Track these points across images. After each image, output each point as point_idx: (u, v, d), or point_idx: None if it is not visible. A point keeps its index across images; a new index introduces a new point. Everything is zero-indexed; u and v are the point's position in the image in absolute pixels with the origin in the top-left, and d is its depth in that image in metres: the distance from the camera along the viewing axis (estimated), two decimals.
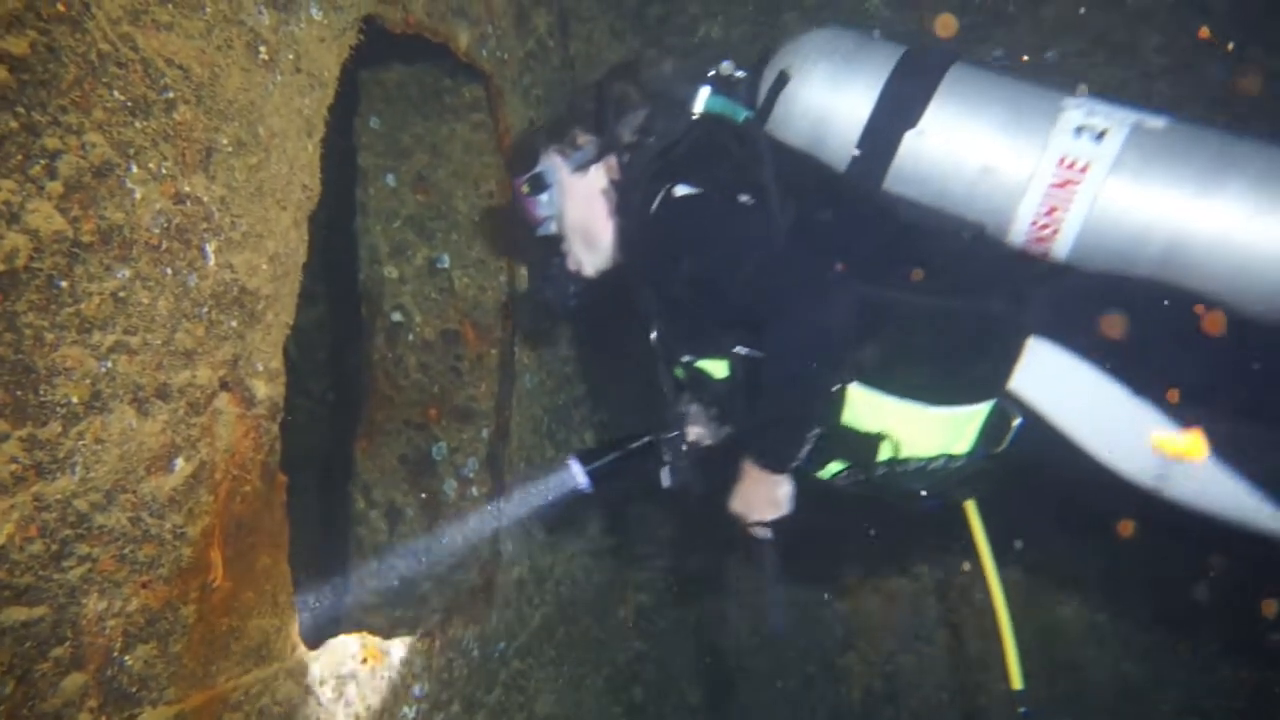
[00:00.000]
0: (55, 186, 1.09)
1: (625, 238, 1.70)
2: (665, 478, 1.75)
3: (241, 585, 1.49)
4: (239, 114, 1.33)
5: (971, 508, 1.78)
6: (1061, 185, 1.45)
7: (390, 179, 2.35)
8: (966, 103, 1.55)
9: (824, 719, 2.96)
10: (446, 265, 2.35)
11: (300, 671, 1.63)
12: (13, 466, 1.08)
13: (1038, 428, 1.48)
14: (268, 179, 1.41)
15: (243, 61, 1.33)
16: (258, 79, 1.37)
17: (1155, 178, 1.42)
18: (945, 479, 1.59)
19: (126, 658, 1.28)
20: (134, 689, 1.30)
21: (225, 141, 1.32)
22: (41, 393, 1.11)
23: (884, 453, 1.56)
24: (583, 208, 1.75)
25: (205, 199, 1.30)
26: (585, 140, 1.76)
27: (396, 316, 2.40)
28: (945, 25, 1.87)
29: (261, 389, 1.47)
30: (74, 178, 1.11)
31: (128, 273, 1.19)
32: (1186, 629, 2.55)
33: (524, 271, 2.39)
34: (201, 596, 1.40)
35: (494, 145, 2.34)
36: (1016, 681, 1.72)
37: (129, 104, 1.16)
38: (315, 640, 1.70)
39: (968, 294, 1.52)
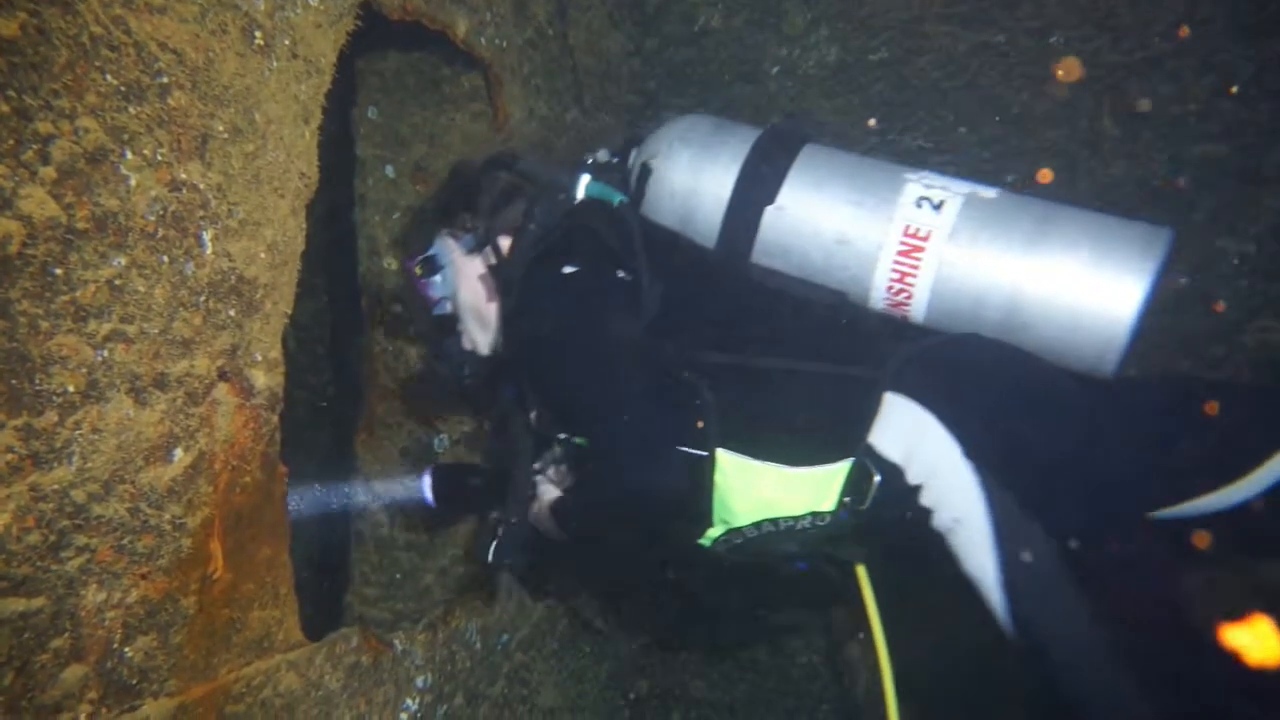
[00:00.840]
0: (48, 172, 1.08)
1: (505, 317, 1.78)
2: (490, 552, 1.79)
3: (242, 577, 1.48)
4: (235, 100, 1.32)
5: (863, 574, 1.84)
6: (908, 253, 1.54)
7: (389, 170, 2.34)
8: (819, 179, 1.65)
9: (828, 712, 2.95)
10: None
11: (303, 663, 1.62)
12: (8, 456, 1.07)
13: (898, 482, 1.52)
14: (265, 166, 1.39)
15: (238, 46, 1.32)
16: (253, 64, 1.35)
17: (987, 244, 1.51)
18: (816, 539, 1.64)
19: (127, 649, 1.27)
20: (134, 680, 1.29)
21: (221, 128, 1.31)
22: (37, 382, 1.10)
23: (755, 514, 1.62)
24: (474, 288, 1.83)
25: (202, 186, 1.29)
26: (473, 224, 1.84)
27: (397, 308, 2.38)
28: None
29: (260, 379, 1.46)
30: (67, 163, 1.09)
31: (123, 260, 1.17)
32: None
33: None
34: (202, 588, 1.39)
35: (493, 135, 2.32)
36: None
37: (122, 88, 1.15)
38: (317, 632, 1.69)
39: (827, 357, 1.59)
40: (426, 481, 1.91)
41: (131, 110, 1.16)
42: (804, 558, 1.71)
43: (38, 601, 1.14)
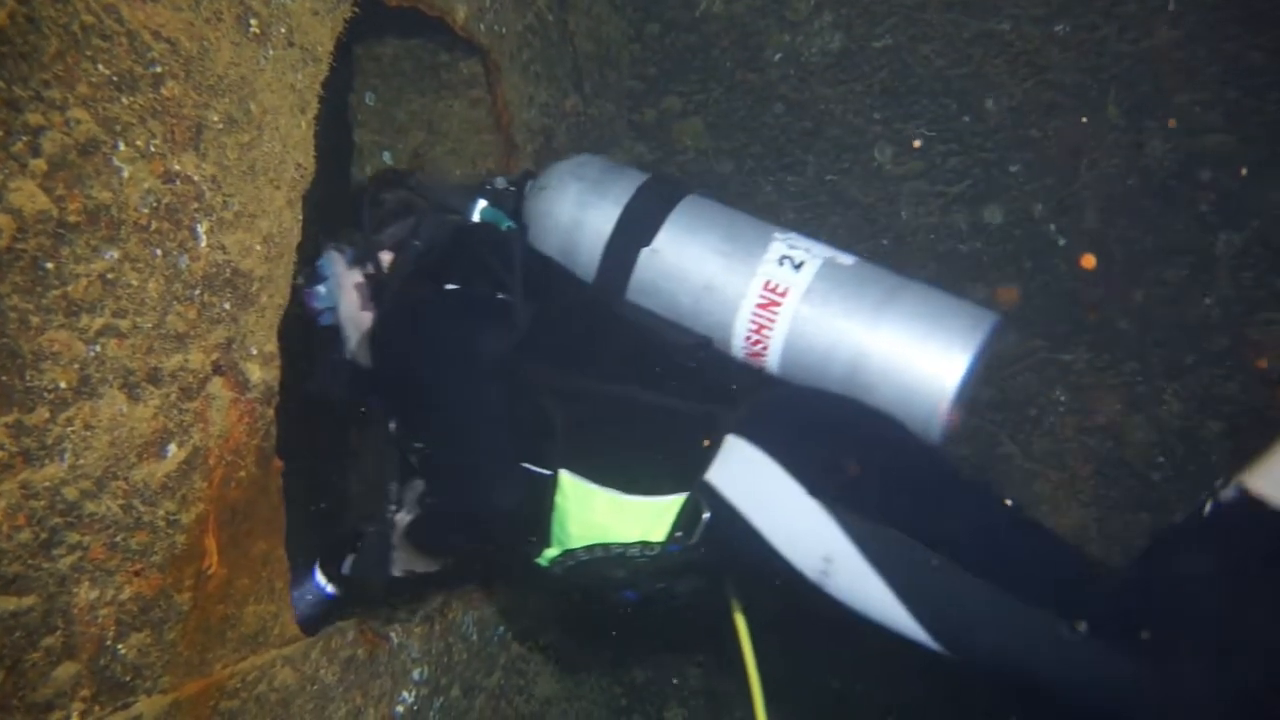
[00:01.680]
0: (39, 164, 1.05)
1: (374, 330, 1.82)
2: (346, 566, 1.80)
3: (237, 572, 1.46)
4: (229, 89, 1.29)
5: (738, 610, 1.90)
6: (766, 306, 1.63)
7: (387, 156, 2.31)
8: (694, 227, 1.72)
9: (825, 703, 2.96)
10: None
11: (298, 658, 1.61)
12: None
13: (730, 520, 1.56)
14: (260, 157, 1.37)
15: (233, 35, 1.29)
16: (249, 53, 1.32)
17: (837, 306, 1.61)
18: (646, 569, 1.68)
19: (120, 646, 1.26)
20: (128, 678, 1.28)
21: (215, 118, 1.28)
22: (28, 378, 1.08)
23: (587, 537, 1.65)
24: (352, 299, 1.87)
25: (196, 178, 1.26)
26: (358, 239, 1.87)
27: None
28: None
29: (256, 373, 1.44)
30: (58, 155, 1.07)
31: (116, 254, 1.15)
32: None
33: None
34: (196, 584, 1.38)
35: (492, 123, 2.29)
36: None
37: (115, 79, 1.12)
38: (313, 626, 1.68)
39: (679, 395, 1.64)
40: (318, 580, 1.84)
41: (124, 101, 1.14)
42: (633, 587, 1.75)
43: (29, 600, 1.13)
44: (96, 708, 1.23)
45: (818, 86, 2.85)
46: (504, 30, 2.24)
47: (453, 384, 1.66)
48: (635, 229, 1.74)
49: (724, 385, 1.67)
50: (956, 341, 1.56)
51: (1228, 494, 1.47)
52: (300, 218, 1.47)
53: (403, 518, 1.83)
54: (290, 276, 1.48)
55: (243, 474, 1.44)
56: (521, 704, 2.45)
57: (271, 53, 1.37)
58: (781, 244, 1.67)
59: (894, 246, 2.76)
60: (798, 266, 1.63)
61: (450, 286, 1.75)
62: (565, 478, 1.63)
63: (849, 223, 2.82)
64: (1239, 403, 2.43)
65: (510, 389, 1.66)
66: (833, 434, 1.59)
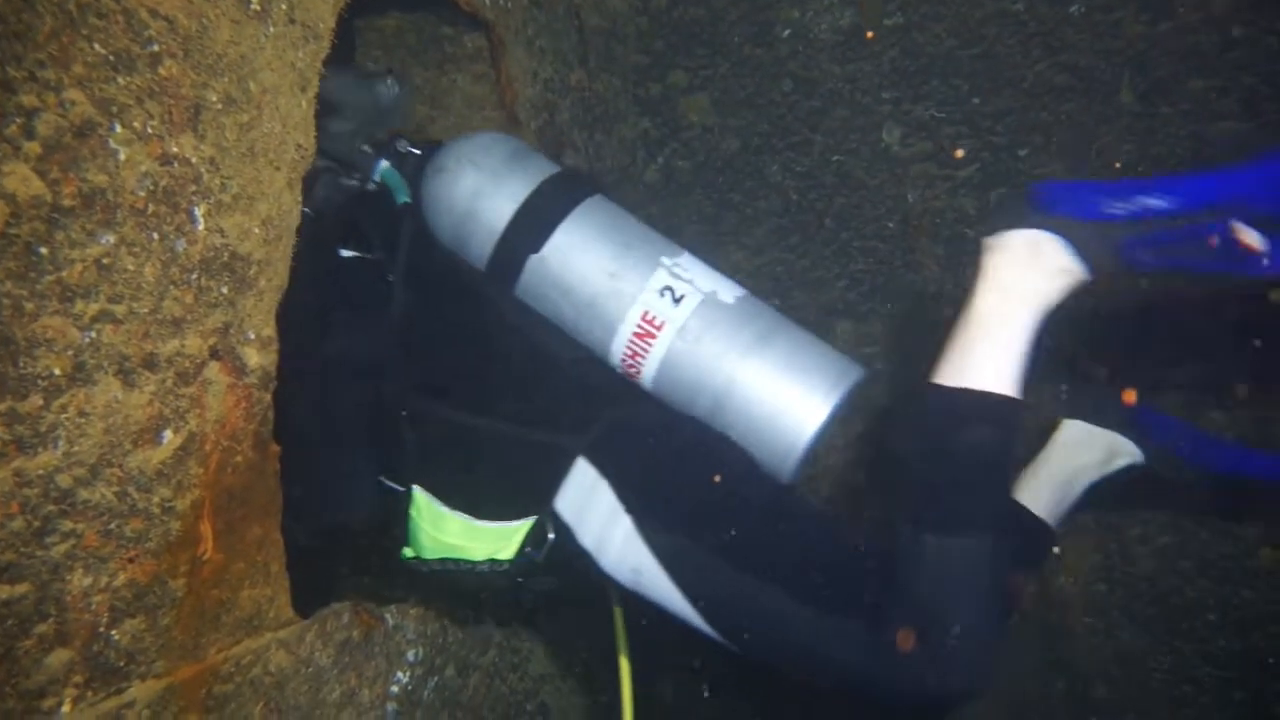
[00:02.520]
0: (33, 147, 1.02)
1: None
2: None
3: (233, 557, 1.45)
4: (229, 69, 1.26)
5: (619, 614, 1.95)
6: (641, 336, 1.63)
7: None
8: (586, 238, 1.68)
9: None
10: None
11: (293, 641, 1.60)
12: None
13: (568, 538, 1.60)
14: (260, 138, 1.34)
15: (232, 13, 1.25)
16: (249, 31, 1.29)
17: (709, 345, 1.61)
18: (500, 580, 1.70)
19: (114, 632, 1.25)
20: (121, 663, 1.27)
21: (214, 98, 1.25)
22: (21, 365, 1.06)
23: (438, 553, 1.68)
24: None
25: (194, 160, 1.23)
26: None
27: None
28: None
29: (253, 358, 1.42)
30: (53, 138, 1.04)
31: (112, 238, 1.13)
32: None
33: None
34: (191, 570, 1.37)
35: (496, 99, 2.25)
36: None
37: (111, 58, 1.09)
38: (307, 610, 1.67)
39: (534, 421, 1.65)
40: None
41: (120, 81, 1.11)
42: (487, 590, 1.80)
43: (21, 588, 1.12)
44: (89, 693, 1.23)
45: (827, 64, 2.81)
46: (509, 4, 2.19)
47: (312, 382, 1.65)
48: (528, 230, 1.68)
49: (590, 404, 1.69)
50: (818, 393, 1.58)
51: None
52: (299, 199, 1.44)
53: None
54: (289, 257, 1.45)
55: (239, 459, 1.43)
56: (515, 681, 2.46)
57: (272, 30, 1.34)
58: (666, 272, 1.66)
59: (900, 230, 2.74)
60: (678, 300, 1.63)
61: (346, 254, 1.72)
62: (419, 495, 1.65)
63: (854, 204, 2.80)
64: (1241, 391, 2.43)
65: (375, 395, 1.67)
66: (665, 459, 1.63)
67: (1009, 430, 1.48)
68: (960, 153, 2.65)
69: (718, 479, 1.58)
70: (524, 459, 1.64)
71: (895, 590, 1.39)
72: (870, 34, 2.68)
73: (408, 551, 1.73)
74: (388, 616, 1.89)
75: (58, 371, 1.09)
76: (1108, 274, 1.56)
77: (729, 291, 1.66)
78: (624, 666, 1.98)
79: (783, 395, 1.58)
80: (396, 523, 1.69)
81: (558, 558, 1.60)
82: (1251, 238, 1.44)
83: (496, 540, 1.65)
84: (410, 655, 1.95)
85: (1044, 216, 1.56)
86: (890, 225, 2.76)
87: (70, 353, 1.10)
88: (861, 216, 2.79)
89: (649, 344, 1.62)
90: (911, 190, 2.69)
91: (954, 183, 2.64)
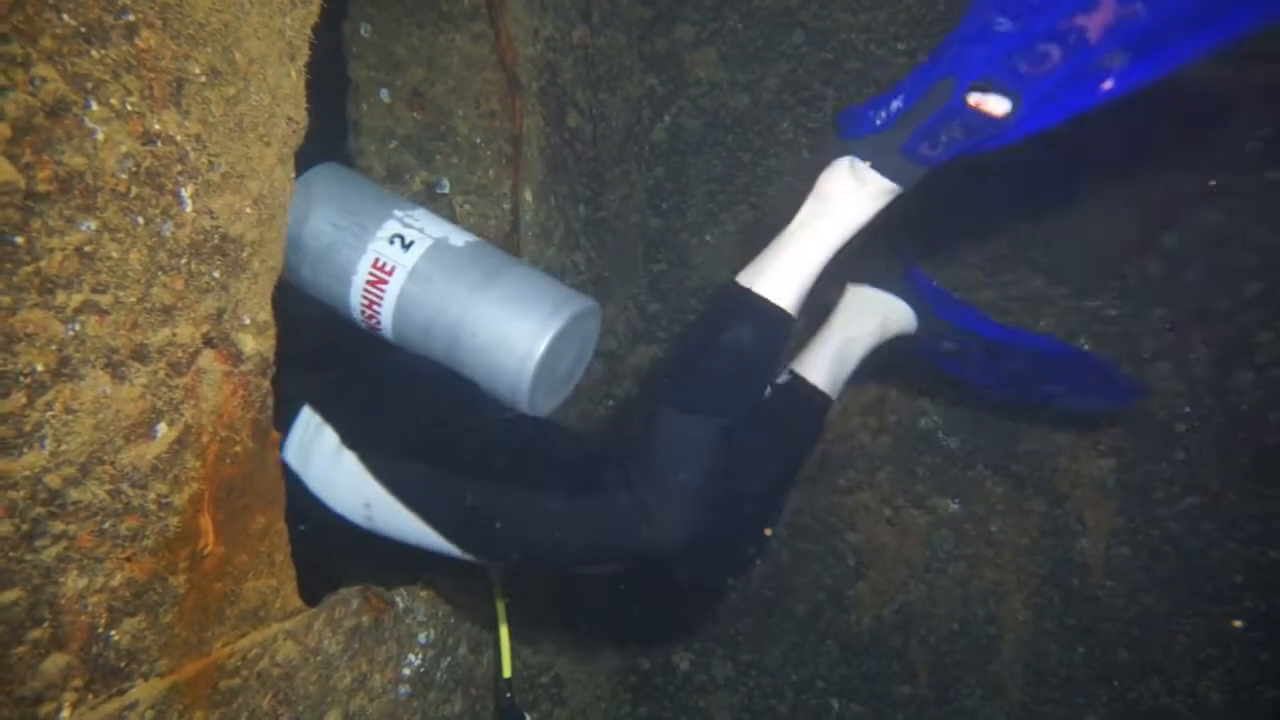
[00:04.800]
0: (2, 129, 0.95)
1: None
2: None
3: (235, 549, 1.40)
4: (211, 38, 1.17)
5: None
6: (374, 284, 1.67)
7: (384, 94, 2.17)
8: (315, 198, 1.71)
9: (832, 646, 2.95)
10: (446, 190, 2.19)
11: (300, 631, 1.56)
12: None
13: (294, 485, 1.62)
14: (248, 112, 1.26)
15: None
16: None
17: (439, 285, 1.66)
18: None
19: (113, 633, 1.20)
20: (122, 664, 1.22)
21: (197, 71, 1.17)
22: (1, 362, 1.00)
23: None
24: None
25: (178, 138, 1.15)
26: None
27: None
28: None
29: (250, 344, 1.35)
30: (23, 119, 0.96)
31: (93, 224, 1.05)
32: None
33: (529, 198, 2.24)
34: (192, 564, 1.32)
35: (496, 60, 2.15)
36: (507, 670, 1.99)
37: (82, 29, 1.01)
38: (314, 598, 1.63)
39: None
40: None
41: (94, 54, 1.03)
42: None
43: (12, 594, 1.06)
44: (90, 696, 1.18)
45: (839, 13, 2.70)
46: None
47: None
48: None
49: (326, 356, 1.76)
50: (539, 322, 1.64)
51: (783, 378, 2.03)
52: (293, 176, 1.37)
53: None
54: (283, 238, 1.38)
55: (238, 449, 1.37)
56: (529, 656, 2.43)
57: None
58: (397, 222, 1.70)
59: (914, 186, 2.64)
60: (408, 246, 1.67)
61: None
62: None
63: None
64: (1272, 351, 2.36)
65: None
66: (398, 400, 1.69)
67: (770, 339, 1.62)
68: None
69: (450, 414, 1.66)
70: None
71: (627, 454, 1.54)
72: None
73: None
74: (398, 600, 1.85)
75: (40, 367, 1.03)
76: (913, 178, 1.65)
77: (460, 237, 1.71)
78: (501, 611, 2.04)
79: (507, 327, 1.64)
80: None
81: (296, 509, 1.58)
82: (991, 104, 1.55)
83: None
84: (422, 637, 1.91)
85: (845, 142, 1.68)
86: None
87: (53, 347, 1.04)
88: None
89: (382, 290, 1.67)
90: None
91: None
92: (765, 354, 1.63)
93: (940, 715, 2.84)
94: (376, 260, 1.66)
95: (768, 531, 1.93)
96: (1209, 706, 2.54)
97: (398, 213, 1.70)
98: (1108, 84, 1.52)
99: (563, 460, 1.62)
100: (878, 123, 1.65)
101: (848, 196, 1.67)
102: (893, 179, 1.63)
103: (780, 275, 1.64)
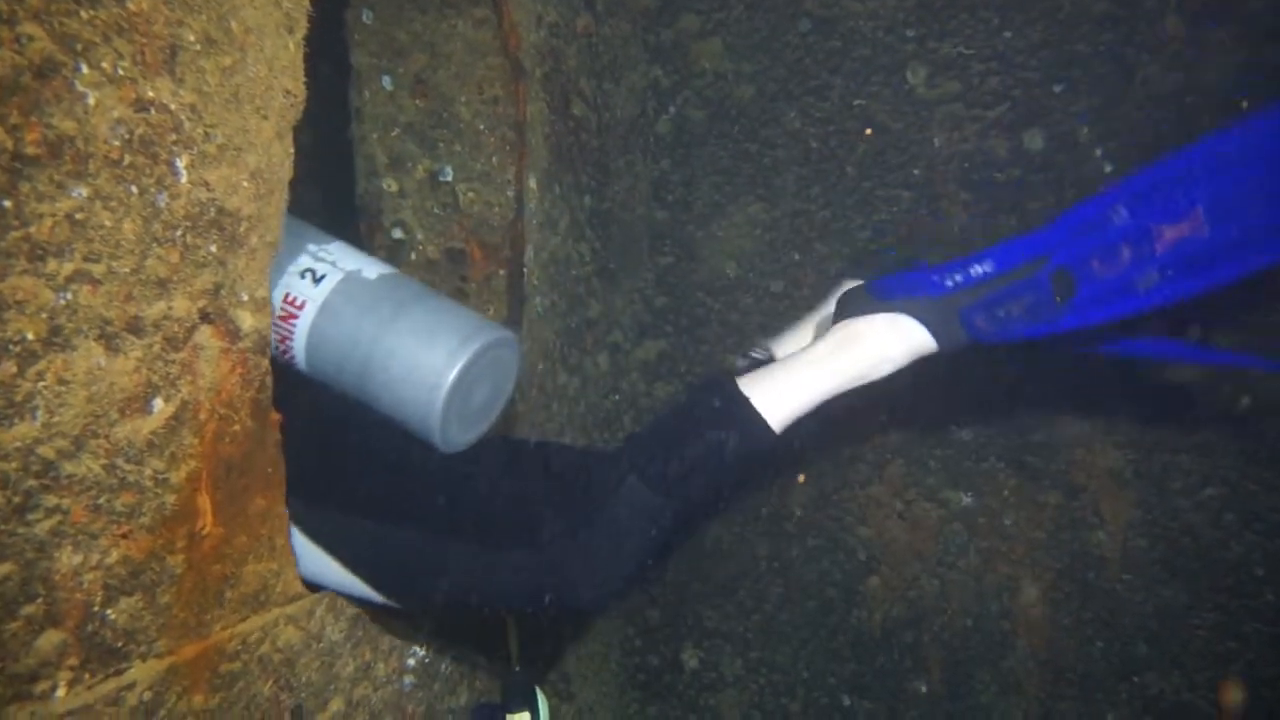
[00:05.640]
0: None
1: None
2: None
3: (234, 530, 1.38)
4: (206, 5, 1.16)
5: None
6: (285, 319, 1.64)
7: (386, 81, 2.16)
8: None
9: (843, 643, 2.91)
10: (450, 178, 2.17)
11: (302, 616, 1.54)
12: None
13: None
14: (244, 83, 1.24)
15: None
16: None
17: (349, 319, 1.63)
18: None
19: (109, 612, 1.18)
20: (119, 644, 1.20)
21: (192, 38, 1.15)
22: None
23: None
24: None
25: (173, 106, 1.14)
26: None
27: (397, 234, 2.24)
28: None
29: (248, 320, 1.34)
30: (10, 78, 0.95)
31: (85, 191, 1.04)
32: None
33: (533, 186, 2.22)
34: (190, 544, 1.29)
35: (499, 45, 2.14)
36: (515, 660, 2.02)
37: None
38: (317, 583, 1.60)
39: None
40: None
41: (84, 15, 1.01)
42: None
43: (5, 568, 1.04)
44: (86, 675, 1.16)
45: (846, 0, 2.68)
46: None
47: None
48: None
49: None
50: (444, 357, 1.61)
51: (760, 353, 1.97)
52: (291, 151, 1.35)
53: None
54: (282, 213, 1.36)
55: (237, 428, 1.35)
56: (536, 652, 2.40)
57: None
58: (309, 256, 1.68)
59: (925, 175, 2.61)
60: (319, 280, 1.64)
61: None
62: None
63: (878, 151, 2.67)
64: None
65: None
66: (308, 439, 1.65)
67: (750, 452, 1.64)
68: (869, 130, 2.53)
69: (359, 452, 1.69)
70: None
71: (576, 511, 1.59)
72: None
73: None
74: None
75: (31, 336, 1.01)
76: (957, 345, 1.66)
77: (374, 269, 1.68)
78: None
79: (415, 360, 1.61)
80: None
81: None
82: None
83: None
84: (426, 629, 1.88)
85: (889, 302, 1.67)
86: (916, 172, 2.63)
87: (44, 315, 1.02)
88: (885, 163, 2.66)
89: (293, 325, 1.64)
90: (938, 134, 2.56)
91: (984, 124, 2.51)
92: (742, 462, 1.64)
93: (954, 712, 2.79)
94: (287, 295, 1.64)
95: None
96: (1229, 702, 2.49)
97: (311, 246, 1.69)
98: (1145, 295, 1.61)
99: (498, 507, 1.64)
100: (948, 284, 1.65)
101: (884, 349, 1.66)
102: (938, 341, 1.64)
103: (781, 398, 1.64)
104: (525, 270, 2.22)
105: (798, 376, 1.66)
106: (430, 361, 1.60)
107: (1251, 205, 1.61)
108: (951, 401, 2.71)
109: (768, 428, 1.63)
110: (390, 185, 2.19)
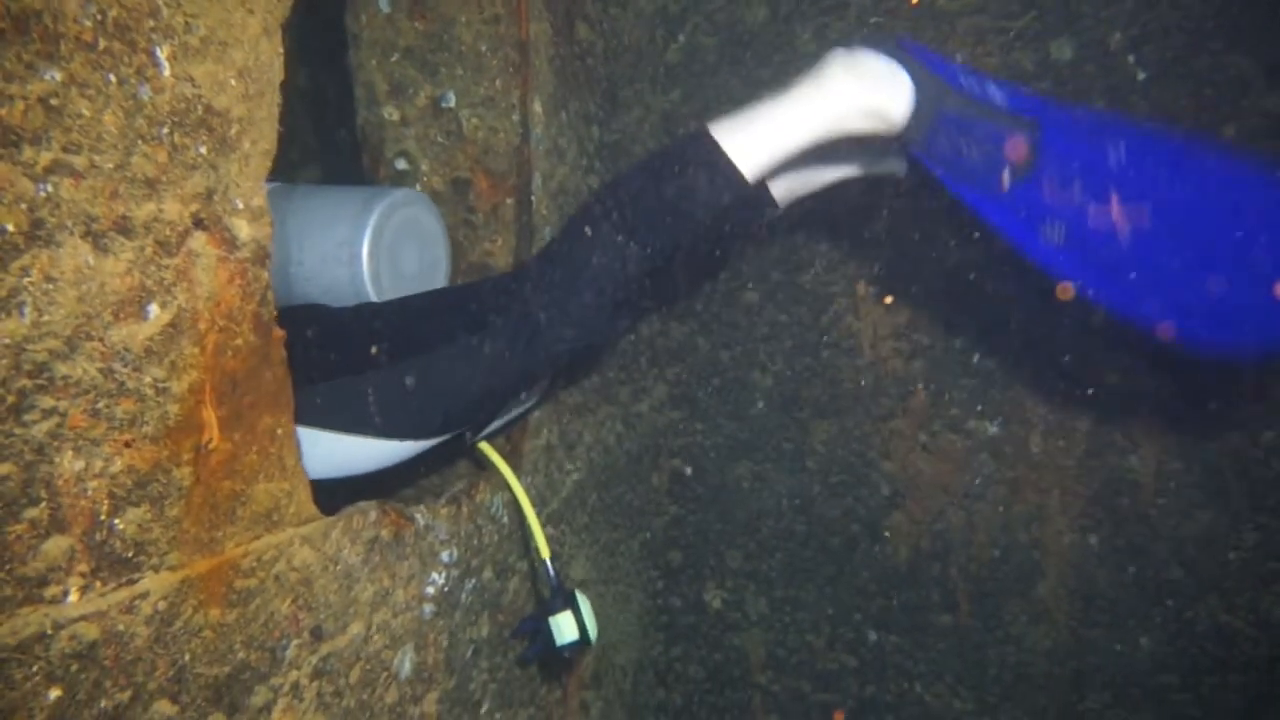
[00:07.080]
0: None
1: None
2: None
3: (243, 447, 1.36)
4: None
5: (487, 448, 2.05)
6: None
7: (384, 3, 2.10)
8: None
9: (868, 579, 2.87)
10: (452, 104, 2.12)
11: (317, 538, 1.51)
12: None
13: None
14: None
15: None
16: None
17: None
18: None
19: (116, 520, 1.16)
20: (130, 554, 1.18)
21: None
22: None
23: None
24: None
25: None
26: None
27: (401, 164, 2.19)
28: None
29: (244, 230, 1.30)
30: None
31: (58, 75, 1.00)
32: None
33: (538, 110, 2.16)
34: (197, 458, 1.27)
35: None
36: (544, 551, 1.96)
37: None
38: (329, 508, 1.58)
39: None
40: None
41: None
42: None
43: (4, 467, 1.02)
44: (98, 584, 1.14)
45: None
46: None
47: None
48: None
49: None
50: (349, 230, 1.82)
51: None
52: (281, 51, 1.30)
53: None
54: (274, 118, 1.32)
55: (239, 342, 1.32)
56: None
57: None
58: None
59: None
60: None
61: None
62: None
63: None
64: None
65: None
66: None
67: (718, 199, 1.61)
68: None
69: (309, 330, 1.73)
70: None
71: (541, 270, 1.66)
72: None
73: None
74: (418, 517, 1.80)
75: (11, 228, 0.98)
76: (912, 139, 1.63)
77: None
78: (520, 494, 2.01)
79: (325, 245, 1.80)
80: None
81: None
82: (1006, 174, 1.59)
83: None
84: (445, 556, 1.86)
85: (904, 54, 1.63)
86: None
87: (24, 206, 0.99)
88: None
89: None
90: (961, 49, 2.47)
91: (1008, 36, 2.42)
92: (710, 209, 1.62)
93: (983, 643, 2.75)
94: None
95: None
96: (1273, 622, 2.43)
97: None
98: (1044, 243, 1.63)
99: (454, 303, 1.73)
100: (960, 80, 1.63)
101: (860, 90, 1.61)
102: (913, 114, 1.60)
103: (753, 142, 1.61)
104: (533, 199, 2.17)
105: (771, 121, 1.62)
106: (337, 237, 1.79)
107: (1179, 248, 1.61)
108: (979, 328, 2.64)
109: (739, 174, 1.60)
110: (391, 114, 2.14)
